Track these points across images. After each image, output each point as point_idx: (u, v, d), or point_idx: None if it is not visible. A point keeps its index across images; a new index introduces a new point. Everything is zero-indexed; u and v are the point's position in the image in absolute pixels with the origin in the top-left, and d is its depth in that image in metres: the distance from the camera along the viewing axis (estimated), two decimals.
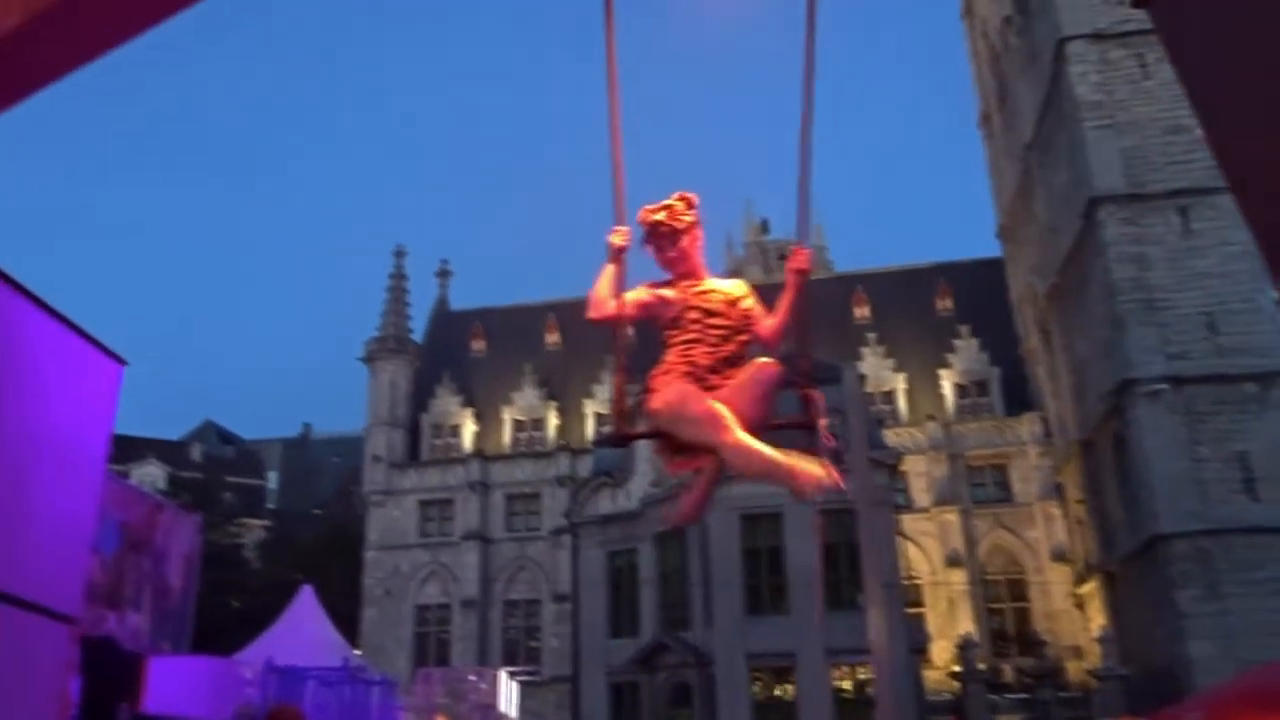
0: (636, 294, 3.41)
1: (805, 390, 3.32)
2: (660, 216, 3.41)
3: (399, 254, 49.91)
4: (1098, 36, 31.54)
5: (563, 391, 46.78)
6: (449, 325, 51.72)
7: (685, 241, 3.40)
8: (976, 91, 47.51)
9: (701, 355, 3.26)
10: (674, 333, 3.34)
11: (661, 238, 3.40)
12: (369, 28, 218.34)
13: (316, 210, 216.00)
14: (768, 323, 3.40)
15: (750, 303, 3.40)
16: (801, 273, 3.32)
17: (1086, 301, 32.01)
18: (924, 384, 43.18)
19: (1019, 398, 41.81)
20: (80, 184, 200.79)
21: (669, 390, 3.20)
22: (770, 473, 2.99)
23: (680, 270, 3.43)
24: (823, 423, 3.25)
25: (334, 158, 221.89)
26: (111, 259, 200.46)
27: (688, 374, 3.23)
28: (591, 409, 45.80)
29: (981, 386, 42.93)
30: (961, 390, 42.99)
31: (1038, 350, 40.62)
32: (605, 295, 3.31)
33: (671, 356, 3.31)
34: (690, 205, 3.43)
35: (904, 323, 44.95)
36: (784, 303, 3.33)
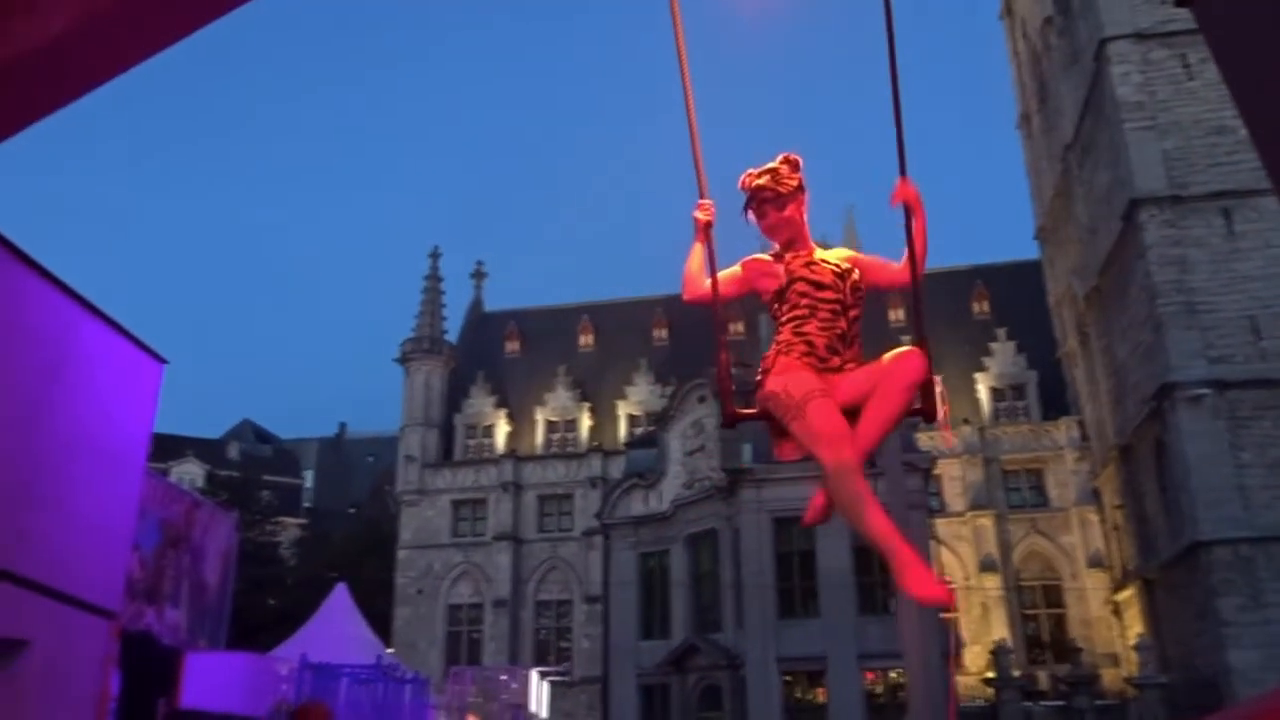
0: (733, 270, 3.25)
1: (926, 379, 3.02)
2: (764, 180, 3.20)
3: (434, 255, 50.30)
4: (1140, 36, 31.11)
5: (596, 393, 46.89)
6: (483, 326, 52.03)
7: (790, 207, 3.19)
8: (1016, 92, 47.02)
9: (815, 333, 3.03)
10: (781, 308, 3.12)
11: (765, 203, 3.18)
12: (410, 27, 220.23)
13: (355, 211, 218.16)
14: (895, 267, 3.19)
15: (857, 275, 3.16)
16: (908, 205, 3.04)
17: (1127, 304, 31.57)
18: (959, 387, 42.78)
19: (1056, 402, 41.32)
20: (123, 185, 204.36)
21: (790, 376, 2.97)
22: (875, 541, 2.75)
23: (784, 237, 3.21)
24: (944, 411, 3.07)
25: (372, 158, 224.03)
26: (154, 260, 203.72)
27: (806, 355, 3.01)
28: (624, 410, 45.87)
29: (1018, 390, 42.49)
30: (998, 394, 42.58)
31: (1076, 354, 40.12)
32: (697, 273, 3.14)
33: (784, 334, 3.08)
34: (796, 167, 3.23)
35: (940, 325, 44.46)
36: (914, 237, 3.07)
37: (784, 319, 3.12)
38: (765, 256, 3.26)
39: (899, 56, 3.05)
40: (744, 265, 3.27)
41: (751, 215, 3.25)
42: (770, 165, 3.24)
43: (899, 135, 3.03)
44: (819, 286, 3.09)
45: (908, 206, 3.05)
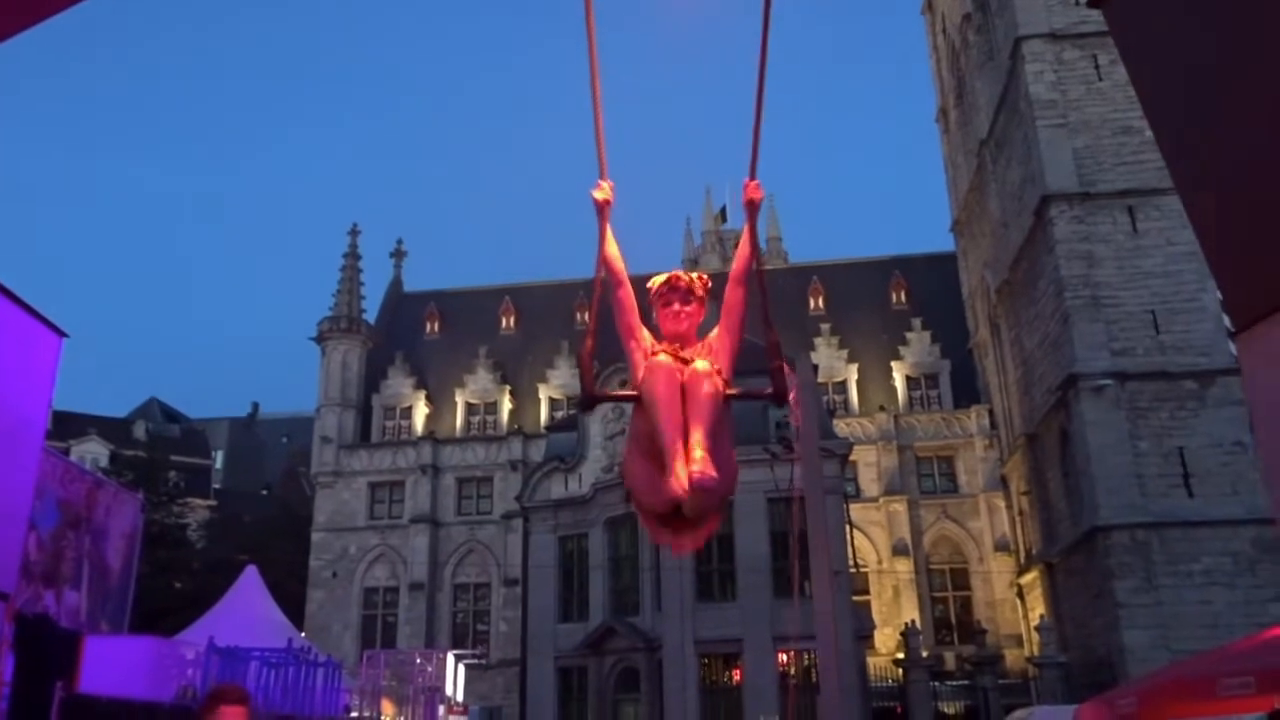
0: (634, 313, 3.36)
1: (775, 364, 3.31)
2: (688, 278, 3.42)
3: (354, 233, 49.28)
4: (1054, 36, 31.99)
5: (516, 376, 46.62)
6: (403, 307, 51.25)
7: (693, 307, 3.37)
8: (935, 86, 47.99)
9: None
10: (639, 401, 3.22)
11: (677, 292, 3.38)
12: (331, 10, 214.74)
13: (271, 186, 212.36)
14: (730, 297, 3.33)
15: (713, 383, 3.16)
16: (753, 204, 3.28)
17: (1036, 297, 32.56)
18: (876, 375, 43.69)
19: (968, 391, 42.49)
20: (24, 152, 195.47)
21: (633, 466, 3.19)
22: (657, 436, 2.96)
23: (672, 330, 3.36)
24: (792, 397, 3.22)
25: (290, 136, 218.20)
26: (58, 230, 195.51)
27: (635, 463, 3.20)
28: (546, 393, 45.71)
29: (932, 379, 43.55)
30: (913, 382, 43.58)
31: (987, 344, 41.29)
32: (615, 255, 3.32)
33: (631, 441, 3.28)
34: (707, 287, 3.45)
35: (858, 315, 45.40)
36: (745, 236, 3.31)
37: (635, 414, 3.27)
38: (648, 334, 3.35)
39: (768, 57, 3.20)
40: (638, 322, 3.34)
41: (658, 302, 3.41)
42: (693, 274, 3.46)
43: (756, 136, 3.22)
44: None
45: (751, 205, 3.29)
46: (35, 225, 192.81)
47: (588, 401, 3.40)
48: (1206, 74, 2.61)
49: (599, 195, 3.26)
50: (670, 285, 3.39)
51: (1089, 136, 30.73)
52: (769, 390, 3.26)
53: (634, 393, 3.17)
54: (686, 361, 3.19)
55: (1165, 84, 2.79)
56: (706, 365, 3.13)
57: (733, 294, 3.30)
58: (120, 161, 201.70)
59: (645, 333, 3.34)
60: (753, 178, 3.27)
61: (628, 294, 3.31)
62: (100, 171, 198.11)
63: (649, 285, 3.41)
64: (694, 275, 3.44)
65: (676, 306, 3.36)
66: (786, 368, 3.34)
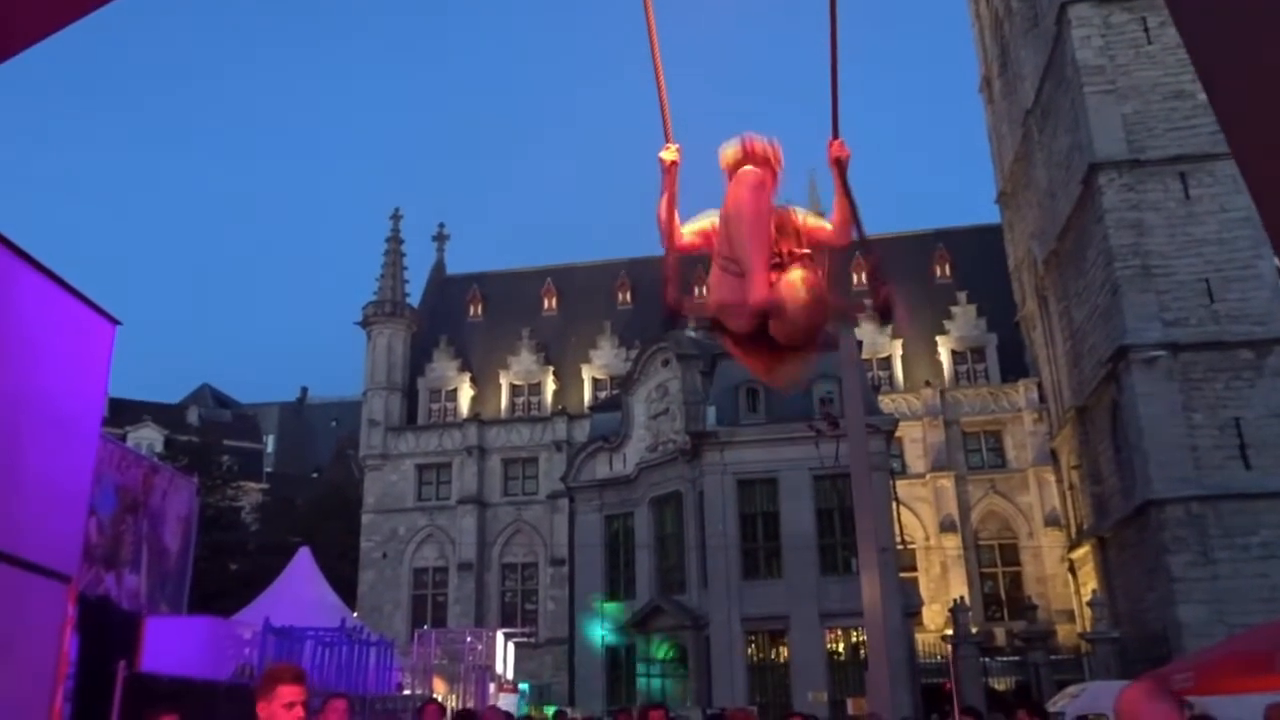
0: (703, 224, 3.27)
1: (877, 284, 3.24)
2: (762, 144, 3.27)
3: (396, 217, 49.69)
4: (1100, 0, 31.22)
5: (560, 357, 46.81)
6: (447, 290, 51.63)
7: (767, 173, 3.23)
8: (978, 56, 47.10)
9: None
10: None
11: (753, 157, 3.22)
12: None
13: (317, 174, 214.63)
14: (827, 226, 3.25)
15: (809, 223, 3.19)
16: (840, 162, 3.19)
17: (1085, 268, 31.96)
18: (921, 350, 43.24)
19: (1015, 364, 41.91)
20: (75, 148, 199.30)
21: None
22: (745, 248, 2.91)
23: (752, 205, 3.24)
24: (899, 312, 3.09)
25: (334, 121, 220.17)
26: (114, 224, 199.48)
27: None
28: (589, 374, 45.87)
29: (978, 353, 43.02)
30: (958, 357, 43.09)
31: (1034, 317, 40.64)
32: (664, 218, 3.19)
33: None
34: (780, 159, 3.30)
35: (902, 289, 44.84)
36: (838, 196, 3.21)
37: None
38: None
39: (839, 22, 3.16)
40: (705, 220, 3.27)
41: (734, 168, 3.24)
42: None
43: (834, 97, 3.18)
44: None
45: (839, 163, 3.19)
46: (93, 219, 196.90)
47: (671, 313, 3.32)
48: (1264, 33, 2.53)
49: (666, 156, 3.20)
50: (745, 151, 3.24)
51: (1138, 102, 29.99)
52: (871, 302, 3.19)
53: (720, 307, 3.06)
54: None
55: (1220, 44, 2.70)
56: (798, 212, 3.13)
57: (820, 233, 3.21)
58: (173, 157, 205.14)
59: (714, 218, 3.25)
60: (836, 136, 3.21)
61: (690, 228, 3.23)
62: (155, 167, 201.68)
63: (721, 155, 3.27)
64: (768, 141, 3.29)
65: (755, 178, 3.21)
66: (885, 296, 3.22)
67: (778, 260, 3.01)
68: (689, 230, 3.25)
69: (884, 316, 3.25)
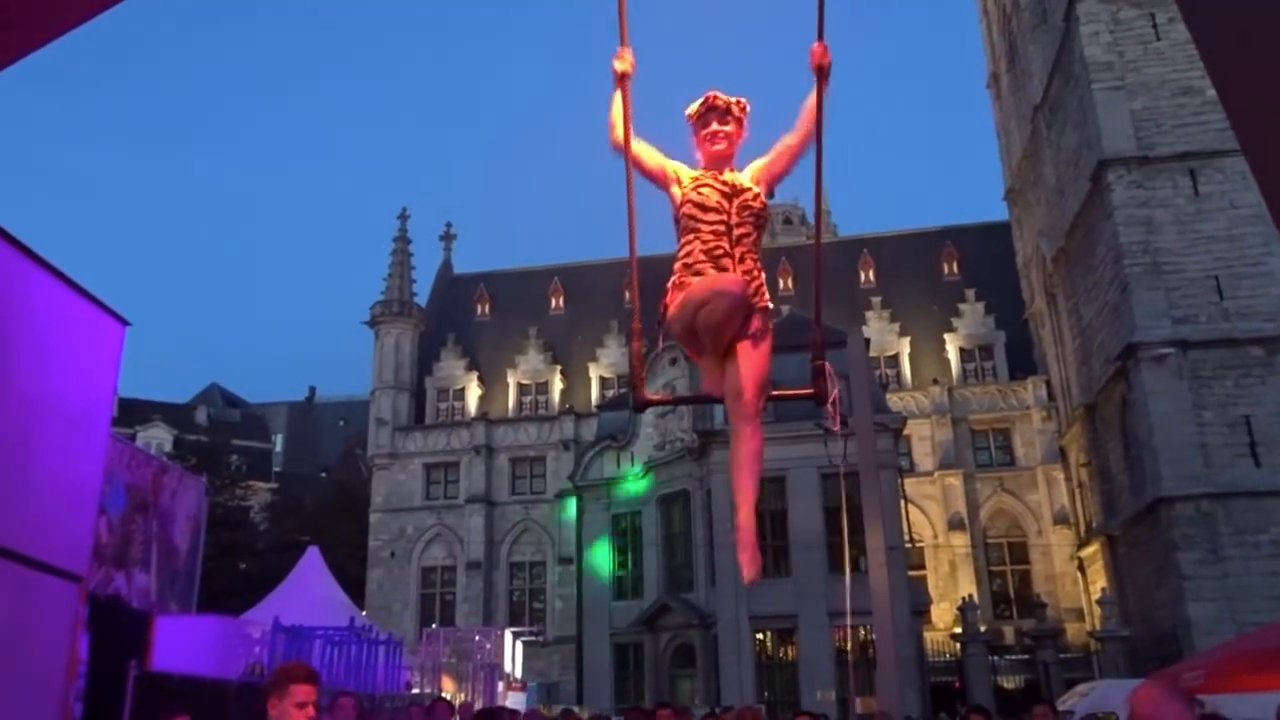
0: (658, 157, 3.33)
1: (818, 362, 3.24)
2: (725, 97, 3.34)
3: (403, 217, 49.77)
4: None
5: (567, 356, 46.82)
6: (454, 289, 51.69)
7: (732, 127, 3.29)
8: (986, 52, 46.96)
9: (699, 256, 3.16)
10: (679, 234, 3.26)
11: (716, 111, 3.29)
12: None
13: (326, 174, 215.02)
14: (788, 138, 3.28)
15: (751, 194, 3.23)
16: (822, 69, 3.12)
17: (1093, 265, 31.86)
18: (929, 348, 43.14)
19: (1024, 362, 41.78)
20: (86, 148, 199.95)
21: (675, 294, 3.17)
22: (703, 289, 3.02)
23: (712, 152, 3.30)
24: (834, 396, 3.18)
25: (343, 121, 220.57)
26: (123, 224, 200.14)
27: (687, 276, 3.17)
28: (596, 373, 45.86)
29: (986, 350, 42.90)
30: (966, 354, 42.97)
31: (1043, 314, 40.51)
32: (619, 121, 3.20)
33: (675, 269, 3.21)
34: (745, 110, 3.38)
35: (909, 287, 44.81)
36: (811, 105, 3.19)
37: (679, 248, 3.25)
38: (684, 167, 3.35)
39: None
40: (667, 161, 3.35)
41: (697, 124, 3.34)
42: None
43: None
44: (703, 209, 3.19)
45: (820, 71, 3.14)
46: (103, 220, 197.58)
47: (640, 405, 3.40)
48: (1273, 28, 2.52)
49: (619, 65, 3.18)
50: (709, 105, 3.32)
51: (1147, 98, 29.87)
52: (809, 390, 3.21)
53: (683, 396, 3.28)
54: (728, 185, 3.19)
55: (1229, 40, 2.69)
56: (749, 183, 3.20)
57: (786, 151, 3.29)
58: (183, 156, 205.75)
59: (677, 166, 3.31)
60: (820, 40, 3.13)
61: (644, 147, 3.28)
62: (165, 168, 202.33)
63: (687, 111, 3.36)
64: (732, 97, 3.36)
65: (715, 126, 3.29)
66: (829, 367, 3.30)
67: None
68: (647, 154, 3.30)
69: (819, 400, 3.27)
